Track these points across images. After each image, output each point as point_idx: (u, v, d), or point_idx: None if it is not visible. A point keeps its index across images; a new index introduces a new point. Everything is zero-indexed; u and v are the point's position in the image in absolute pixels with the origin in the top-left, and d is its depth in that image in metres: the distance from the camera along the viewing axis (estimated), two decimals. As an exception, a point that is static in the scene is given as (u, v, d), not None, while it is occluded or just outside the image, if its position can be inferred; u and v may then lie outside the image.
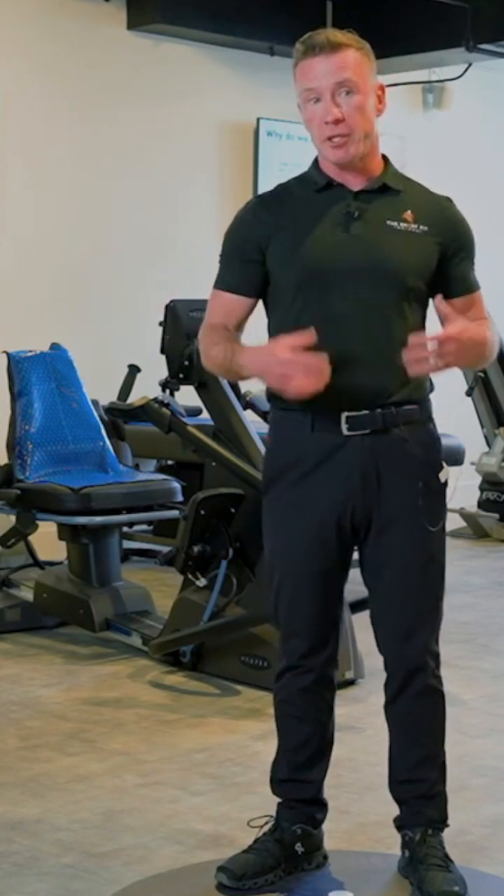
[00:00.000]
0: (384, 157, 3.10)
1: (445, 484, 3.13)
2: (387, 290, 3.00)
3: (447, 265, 3.07)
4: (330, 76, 2.95)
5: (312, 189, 3.07)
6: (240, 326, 3.13)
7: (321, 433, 3.03)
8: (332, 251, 3.00)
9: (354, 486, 3.03)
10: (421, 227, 3.03)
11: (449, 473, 3.15)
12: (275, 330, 3.07)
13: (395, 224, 3.02)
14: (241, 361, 3.01)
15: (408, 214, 3.03)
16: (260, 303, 3.14)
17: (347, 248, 3.00)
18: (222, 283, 3.13)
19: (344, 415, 3.00)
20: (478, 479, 8.13)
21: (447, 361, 2.89)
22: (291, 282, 3.04)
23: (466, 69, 8.26)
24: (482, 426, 8.16)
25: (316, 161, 3.09)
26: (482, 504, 8.12)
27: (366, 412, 3.01)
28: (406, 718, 3.17)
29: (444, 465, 3.13)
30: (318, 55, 2.95)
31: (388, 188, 3.05)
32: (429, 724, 3.18)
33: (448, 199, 3.13)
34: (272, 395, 3.08)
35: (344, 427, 3.01)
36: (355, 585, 3.25)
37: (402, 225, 3.02)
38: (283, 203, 3.08)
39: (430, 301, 3.09)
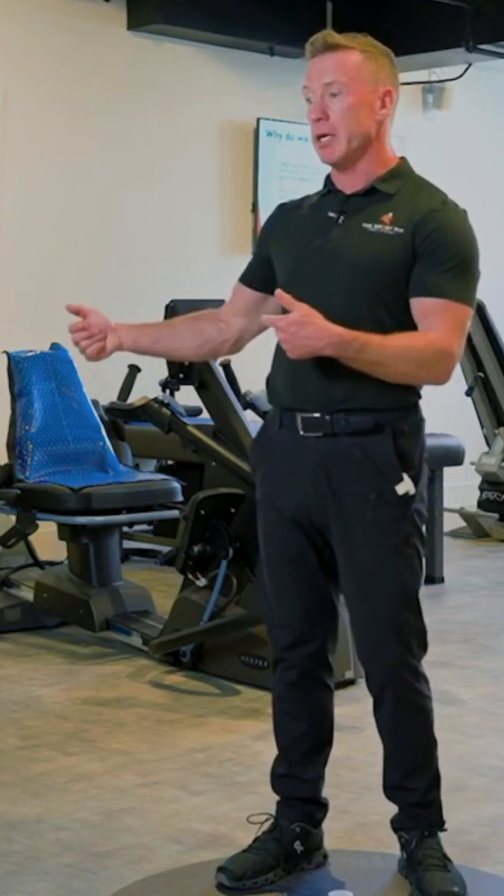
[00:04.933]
0: (401, 159, 3.06)
1: (405, 496, 3.01)
2: (349, 291, 2.97)
3: (415, 264, 2.95)
4: (320, 77, 2.97)
5: (320, 195, 3.11)
6: (237, 313, 3.22)
7: (285, 430, 3.07)
8: (307, 256, 3.04)
9: (308, 487, 3.04)
10: (396, 228, 2.96)
11: (410, 486, 3.00)
12: None
13: (369, 226, 2.98)
14: None
15: (387, 217, 2.97)
16: None
17: (319, 252, 3.02)
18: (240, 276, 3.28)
19: (299, 415, 3.03)
20: (478, 479, 8.13)
21: (288, 347, 2.87)
22: (281, 284, 3.08)
23: (466, 69, 8.26)
24: (482, 426, 8.16)
25: None
26: (482, 504, 8.12)
27: (317, 415, 3.01)
28: (386, 729, 3.14)
29: (406, 477, 2.99)
30: (315, 56, 2.98)
31: (378, 191, 3.01)
32: (410, 736, 3.13)
33: (441, 202, 2.99)
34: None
35: (299, 427, 3.03)
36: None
37: (377, 227, 2.98)
38: (295, 209, 3.15)
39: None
